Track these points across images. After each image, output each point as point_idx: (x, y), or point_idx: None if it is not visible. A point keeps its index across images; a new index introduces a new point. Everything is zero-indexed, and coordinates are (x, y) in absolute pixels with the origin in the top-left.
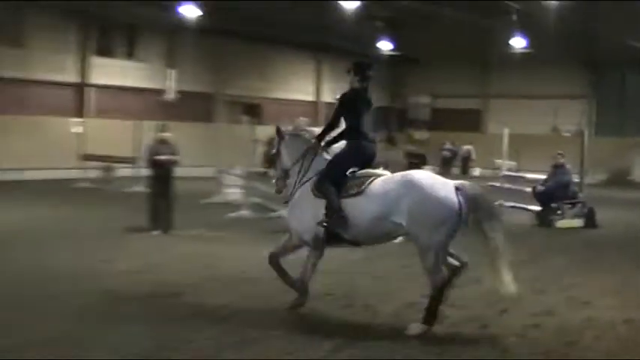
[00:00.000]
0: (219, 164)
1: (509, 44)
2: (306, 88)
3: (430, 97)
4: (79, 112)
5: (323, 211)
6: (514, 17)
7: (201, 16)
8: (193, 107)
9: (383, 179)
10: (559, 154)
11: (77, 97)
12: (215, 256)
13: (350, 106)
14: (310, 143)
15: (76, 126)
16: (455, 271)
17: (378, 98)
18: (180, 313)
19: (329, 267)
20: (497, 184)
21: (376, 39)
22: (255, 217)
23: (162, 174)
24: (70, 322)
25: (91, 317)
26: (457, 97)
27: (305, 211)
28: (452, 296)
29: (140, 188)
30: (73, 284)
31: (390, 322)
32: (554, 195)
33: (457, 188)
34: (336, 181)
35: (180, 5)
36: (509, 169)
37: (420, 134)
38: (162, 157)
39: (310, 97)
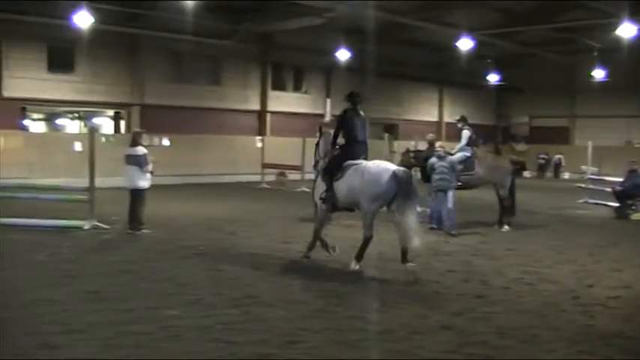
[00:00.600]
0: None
1: (591, 75)
2: (431, 111)
3: (528, 117)
4: (261, 131)
5: (324, 189)
6: (595, 54)
7: (351, 58)
8: None
9: (353, 168)
10: (632, 161)
11: (259, 121)
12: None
13: (344, 122)
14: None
15: (258, 142)
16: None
17: (486, 119)
18: (336, 282)
19: (451, 249)
20: (584, 186)
21: (486, 73)
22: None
23: None
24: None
25: (272, 281)
26: (550, 117)
27: (317, 189)
28: (548, 274)
29: (306, 189)
30: (266, 258)
31: (501, 293)
32: (629, 193)
33: (394, 174)
34: (331, 171)
35: (336, 51)
36: (593, 174)
37: (520, 146)
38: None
39: (435, 119)
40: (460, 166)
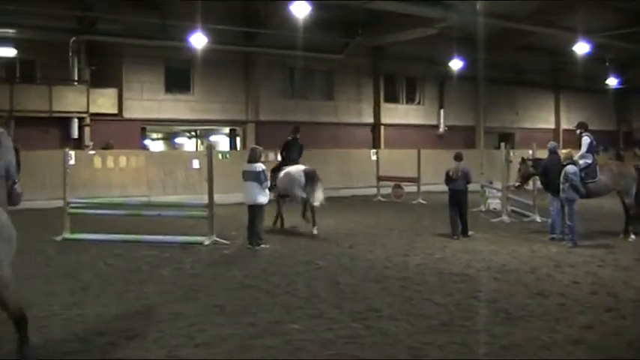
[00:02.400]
0: (482, 180)
1: None
2: (547, 118)
3: None
4: (375, 144)
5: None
6: None
7: (464, 67)
8: (459, 137)
9: (284, 171)
10: None
11: (373, 134)
12: (483, 252)
13: (285, 146)
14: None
15: (373, 155)
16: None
17: (606, 124)
18: (459, 295)
19: (575, 260)
20: None
21: (605, 76)
22: (512, 222)
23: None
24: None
25: (393, 294)
26: None
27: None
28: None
29: (422, 201)
30: (385, 271)
31: (631, 306)
32: None
33: (304, 171)
34: (278, 173)
35: (449, 60)
36: None
37: None
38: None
39: (552, 126)
40: (582, 174)
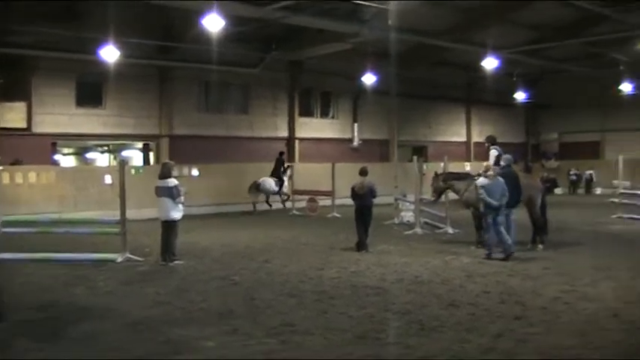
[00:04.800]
0: (396, 193)
1: (619, 88)
2: (459, 131)
3: (558, 133)
4: (290, 158)
5: None
6: (621, 67)
7: (377, 82)
8: (374, 151)
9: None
10: None
11: (288, 148)
12: (397, 264)
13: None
14: None
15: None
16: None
17: (516, 136)
18: (373, 308)
19: (486, 270)
20: (617, 200)
21: (513, 90)
22: (425, 234)
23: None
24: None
25: (309, 308)
26: (580, 132)
27: None
28: (587, 292)
29: (337, 214)
30: (300, 285)
31: (540, 313)
32: None
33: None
34: None
35: (361, 75)
36: (625, 188)
37: (550, 163)
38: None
39: (463, 139)
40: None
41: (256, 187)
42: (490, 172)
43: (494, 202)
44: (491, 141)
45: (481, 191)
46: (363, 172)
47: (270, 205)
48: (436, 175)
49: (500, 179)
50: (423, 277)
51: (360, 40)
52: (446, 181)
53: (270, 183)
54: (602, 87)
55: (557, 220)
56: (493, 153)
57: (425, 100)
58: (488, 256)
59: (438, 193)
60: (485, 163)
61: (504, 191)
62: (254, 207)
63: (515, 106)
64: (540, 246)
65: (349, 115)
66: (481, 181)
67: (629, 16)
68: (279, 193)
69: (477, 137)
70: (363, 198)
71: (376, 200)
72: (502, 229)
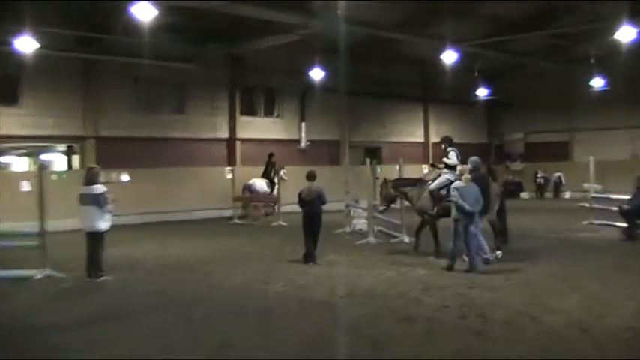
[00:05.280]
0: (347, 200)
1: (589, 84)
2: (416, 131)
3: (523, 133)
4: (231, 161)
5: None
6: (592, 61)
7: (326, 77)
8: (323, 153)
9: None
10: (638, 177)
11: (228, 150)
12: (348, 276)
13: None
14: None
15: (228, 173)
16: None
17: (477, 137)
18: (322, 324)
19: (444, 282)
20: (587, 205)
21: (474, 87)
22: (379, 243)
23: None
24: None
25: (252, 325)
26: (546, 132)
27: None
28: (552, 304)
29: (283, 223)
30: (243, 300)
31: (501, 328)
32: (637, 212)
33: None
34: None
35: (309, 70)
36: (596, 192)
37: (515, 165)
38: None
39: (420, 139)
40: (442, 192)
41: (248, 190)
42: (466, 176)
43: (467, 207)
44: (448, 142)
45: (454, 194)
46: (311, 177)
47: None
48: (385, 181)
49: (474, 185)
50: (376, 290)
51: (307, 33)
52: (397, 188)
53: (262, 185)
54: (571, 83)
55: (521, 227)
56: (452, 155)
57: (379, 97)
58: (449, 268)
59: (388, 201)
60: (458, 167)
61: (478, 198)
62: (244, 214)
63: (476, 104)
64: (498, 252)
65: (296, 114)
66: (456, 183)
67: (600, 6)
68: (271, 194)
69: (436, 137)
70: (311, 205)
71: (326, 207)
72: (478, 238)
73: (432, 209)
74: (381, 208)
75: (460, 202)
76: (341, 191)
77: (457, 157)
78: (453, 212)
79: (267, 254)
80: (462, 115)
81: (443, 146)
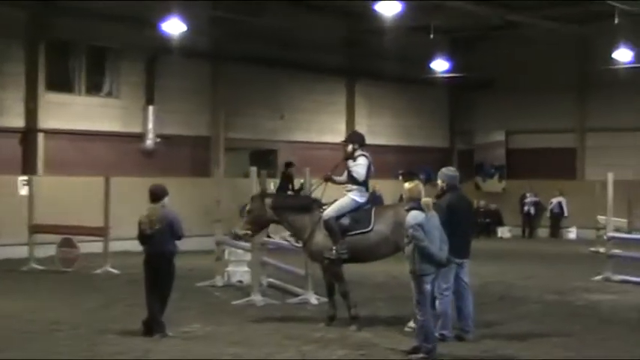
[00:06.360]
0: (219, 233)
1: (611, 57)
2: (335, 126)
3: (504, 132)
4: (27, 167)
5: None
6: (616, 21)
7: (190, 33)
8: (182, 156)
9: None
10: None
11: (24, 148)
12: (219, 358)
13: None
14: None
15: (22, 187)
16: None
17: (431, 136)
18: None
19: None
20: (602, 250)
21: (429, 57)
22: (269, 305)
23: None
24: None
25: None
26: (542, 133)
27: None
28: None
29: (113, 269)
30: None
31: None
32: None
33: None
34: None
35: (162, 21)
36: (618, 229)
37: (491, 184)
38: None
39: (341, 138)
40: (345, 222)
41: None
42: (427, 200)
43: (437, 253)
44: (359, 141)
45: (418, 232)
46: (158, 195)
47: None
48: (261, 195)
49: (435, 215)
50: None
51: None
52: (276, 208)
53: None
54: (584, 54)
55: (500, 281)
56: (362, 162)
57: (276, 67)
58: (415, 350)
59: (259, 224)
60: (423, 199)
61: (442, 234)
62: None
63: (432, 83)
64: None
65: (140, 91)
66: (415, 216)
67: None
68: None
69: (370, 136)
70: (157, 241)
71: (182, 244)
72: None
73: (331, 250)
74: (242, 233)
75: (427, 245)
76: (209, 218)
77: (369, 169)
78: (416, 262)
79: (84, 323)
80: (409, 102)
81: (349, 147)
